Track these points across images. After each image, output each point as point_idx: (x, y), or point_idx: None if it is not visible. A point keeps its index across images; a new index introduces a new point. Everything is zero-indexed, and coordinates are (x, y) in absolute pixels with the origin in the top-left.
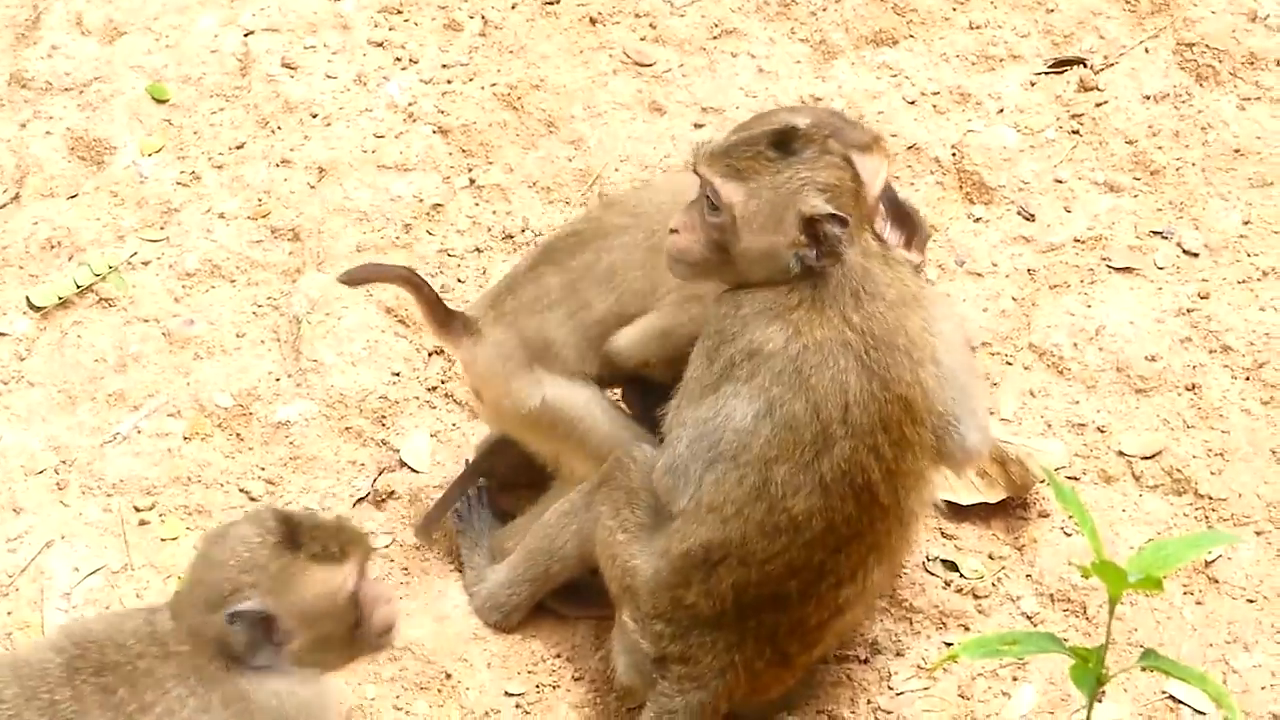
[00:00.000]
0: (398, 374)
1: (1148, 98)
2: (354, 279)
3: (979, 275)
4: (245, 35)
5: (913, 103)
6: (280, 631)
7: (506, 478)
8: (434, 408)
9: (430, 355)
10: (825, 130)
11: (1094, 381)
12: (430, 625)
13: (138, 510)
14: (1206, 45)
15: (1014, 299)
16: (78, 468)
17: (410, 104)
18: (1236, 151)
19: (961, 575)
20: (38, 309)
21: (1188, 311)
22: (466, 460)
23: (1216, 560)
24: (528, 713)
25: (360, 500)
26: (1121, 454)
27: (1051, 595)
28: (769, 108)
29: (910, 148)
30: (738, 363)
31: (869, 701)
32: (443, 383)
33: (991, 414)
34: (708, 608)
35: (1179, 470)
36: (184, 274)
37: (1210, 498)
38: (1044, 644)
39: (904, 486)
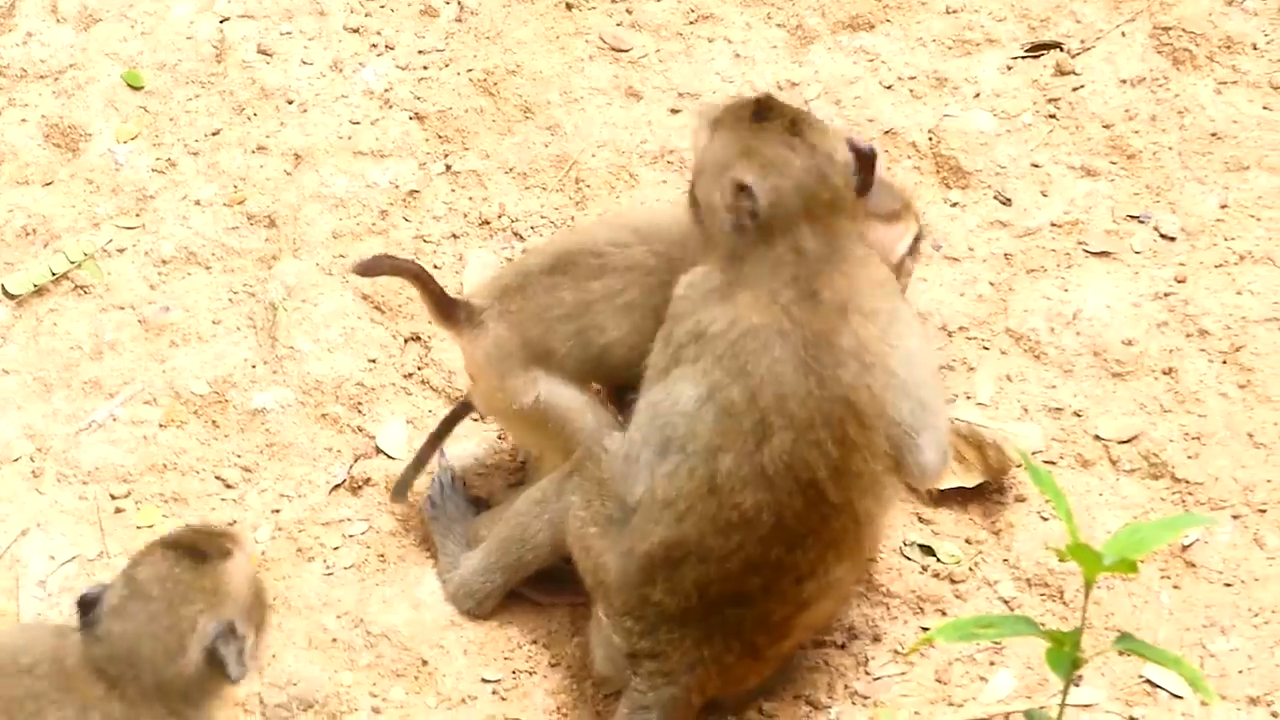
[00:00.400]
0: (374, 361)
1: (1124, 82)
2: (367, 270)
3: (956, 260)
4: (221, 22)
5: (889, 87)
6: (239, 638)
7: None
8: (410, 394)
9: (406, 342)
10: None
11: (1071, 366)
12: (406, 612)
13: (113, 498)
14: (1183, 29)
15: (991, 283)
16: (53, 455)
17: (386, 90)
18: (1213, 135)
19: (938, 560)
20: (13, 296)
21: (1165, 295)
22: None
23: (1193, 544)
24: (504, 699)
25: (336, 487)
26: (1098, 438)
27: (1029, 580)
28: (745, 93)
29: (887, 132)
30: (685, 344)
31: (846, 686)
32: (419, 369)
33: (968, 398)
34: (674, 605)
35: (1156, 454)
36: (160, 261)
37: (1187, 482)
38: (1020, 627)
39: (856, 487)
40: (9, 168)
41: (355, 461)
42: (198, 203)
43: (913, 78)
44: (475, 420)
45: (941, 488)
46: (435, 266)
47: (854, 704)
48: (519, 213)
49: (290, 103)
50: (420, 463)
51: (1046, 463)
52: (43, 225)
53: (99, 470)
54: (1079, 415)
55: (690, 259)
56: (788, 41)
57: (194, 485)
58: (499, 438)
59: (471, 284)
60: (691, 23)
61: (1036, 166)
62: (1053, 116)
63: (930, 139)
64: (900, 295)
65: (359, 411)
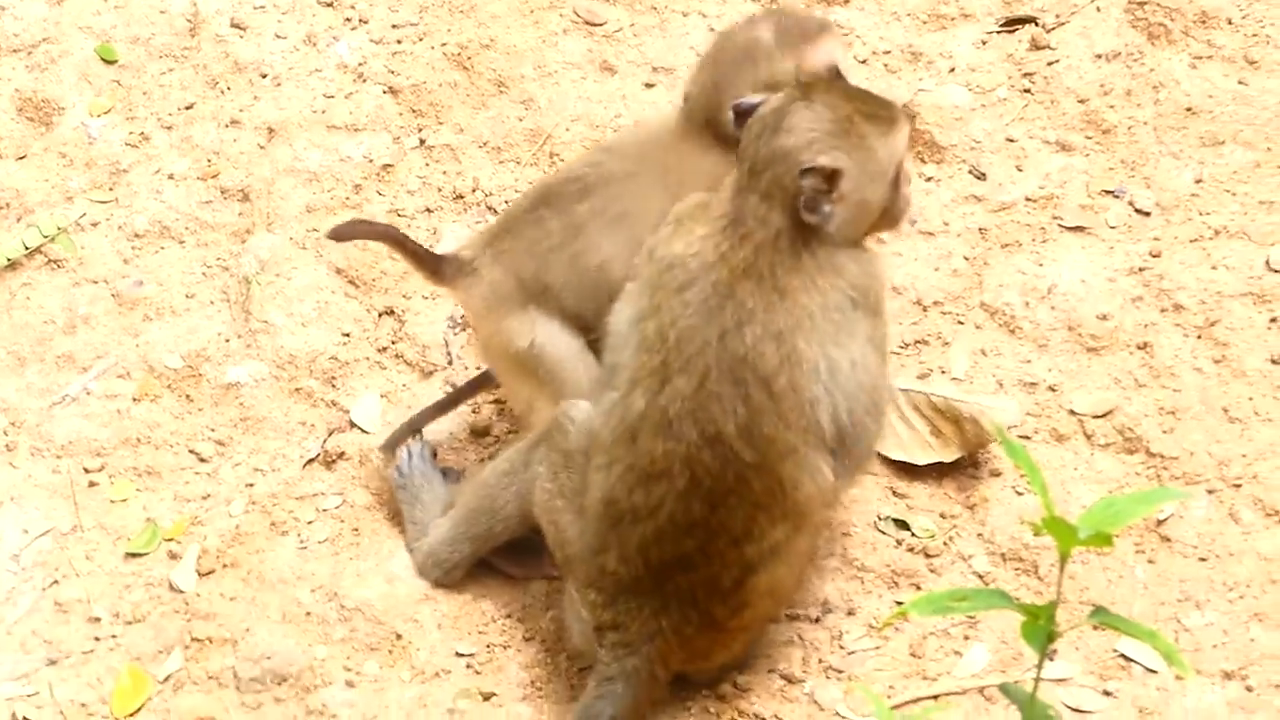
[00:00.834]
0: (348, 335)
1: (1099, 56)
2: (341, 235)
3: (930, 234)
4: None
5: (864, 62)
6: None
7: None
8: (384, 368)
9: (380, 316)
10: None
11: (1045, 340)
12: (380, 586)
13: (87, 472)
14: (1158, 4)
15: (965, 258)
16: (26, 429)
17: (360, 64)
18: (1188, 110)
19: (913, 534)
20: None
21: (1139, 270)
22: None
23: (1168, 519)
24: (479, 673)
25: (310, 461)
26: (1073, 413)
27: (1003, 554)
28: None
29: None
30: (642, 260)
31: (820, 660)
32: (393, 343)
33: (943, 372)
34: (626, 573)
35: (1130, 429)
36: (133, 235)
37: (1162, 456)
38: (994, 600)
39: (773, 451)
40: None
41: (329, 435)
42: (171, 177)
43: (887, 52)
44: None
45: (920, 463)
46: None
47: (828, 678)
48: (493, 187)
49: (264, 77)
50: (418, 424)
51: (1021, 437)
52: (16, 199)
53: (72, 444)
54: (1054, 390)
55: (668, 159)
56: None
57: (167, 459)
58: (473, 412)
59: None
60: None
61: (1011, 141)
62: (1028, 91)
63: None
64: (864, 309)
65: (333, 385)
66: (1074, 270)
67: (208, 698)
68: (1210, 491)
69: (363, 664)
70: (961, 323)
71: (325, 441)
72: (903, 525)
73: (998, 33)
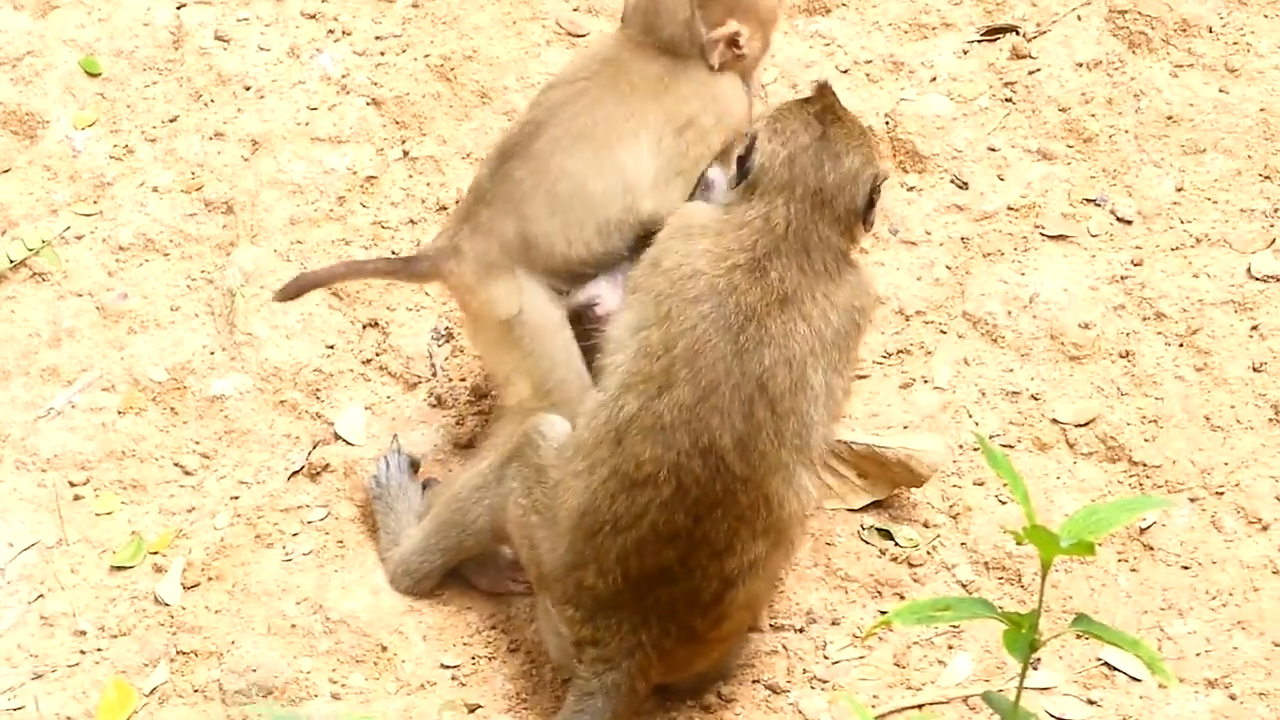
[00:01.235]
0: (332, 347)
1: (1080, 65)
2: (289, 294)
3: (913, 244)
4: (178, 8)
5: (846, 71)
6: None
7: None
8: (368, 380)
9: (364, 328)
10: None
11: (1028, 349)
12: (365, 598)
13: (72, 485)
14: (1139, 12)
15: (948, 267)
16: (11, 443)
17: (343, 76)
18: (1169, 119)
19: (896, 544)
20: None
21: (1121, 279)
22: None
23: (1151, 527)
24: (464, 684)
25: (295, 473)
26: (1055, 421)
27: (986, 563)
28: None
29: None
30: (644, 271)
31: (805, 670)
32: (377, 355)
33: (925, 381)
34: (605, 588)
35: (1113, 438)
36: (117, 248)
37: (1144, 465)
38: (976, 609)
39: (763, 465)
40: None
41: (314, 448)
42: (155, 189)
43: (869, 62)
44: (432, 406)
45: (854, 506)
46: (393, 252)
47: (812, 688)
48: None
49: (247, 89)
50: None
51: (1004, 446)
52: (0, 213)
53: (58, 457)
54: (1036, 399)
55: (616, 69)
56: None
57: (153, 472)
58: (457, 424)
59: None
60: None
61: (993, 150)
62: (1009, 100)
63: (887, 123)
64: (858, 334)
65: (317, 398)
66: (1056, 279)
67: (193, 710)
68: (1193, 500)
69: (348, 676)
70: (944, 332)
71: (310, 454)
72: (886, 535)
73: (979, 42)
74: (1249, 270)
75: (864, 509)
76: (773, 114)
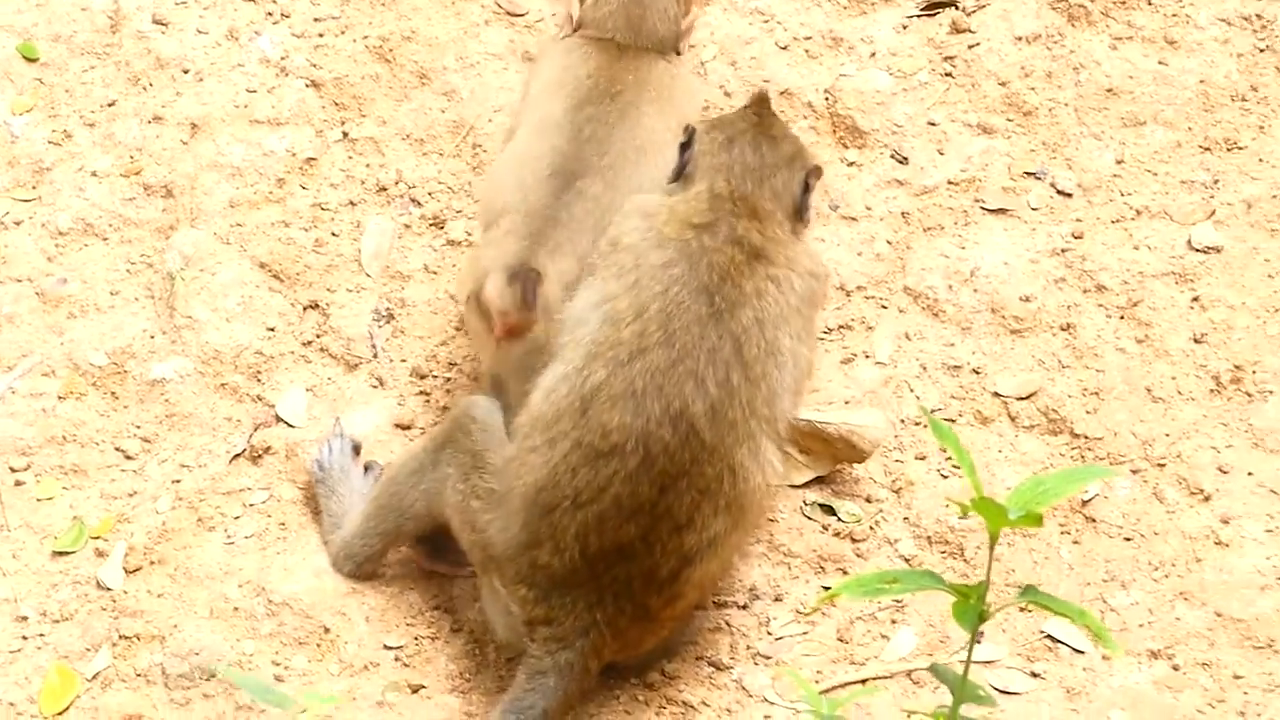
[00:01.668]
0: (272, 329)
1: (1020, 39)
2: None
3: (853, 219)
4: None
5: (785, 48)
6: None
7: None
8: (309, 362)
9: (305, 310)
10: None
11: (969, 323)
12: (308, 580)
13: (13, 471)
14: None
15: (888, 242)
16: None
17: (282, 58)
18: (1109, 91)
19: (839, 519)
20: None
21: (1062, 252)
22: None
23: (1093, 499)
24: (407, 665)
25: (237, 456)
26: (997, 395)
27: (929, 537)
28: None
29: (783, 93)
30: (603, 252)
31: (748, 647)
32: (318, 337)
33: (866, 356)
34: (560, 566)
35: (1055, 410)
36: (57, 233)
37: (1086, 437)
38: (924, 581)
39: (732, 435)
40: None
41: (255, 430)
42: (94, 174)
43: (808, 38)
44: (374, 387)
45: (797, 482)
46: (333, 234)
47: (756, 664)
48: (416, 179)
49: (186, 72)
50: None
51: (946, 420)
52: None
53: None
54: (977, 372)
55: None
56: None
57: (94, 457)
58: (398, 404)
59: (370, 251)
60: None
61: (933, 125)
62: (949, 75)
63: (826, 99)
64: (815, 307)
65: (258, 380)
66: (996, 253)
67: (136, 695)
68: (1134, 471)
69: (291, 658)
70: (885, 307)
71: (251, 437)
72: (829, 510)
73: (918, 17)
74: (1189, 242)
75: (806, 485)
76: (716, 119)
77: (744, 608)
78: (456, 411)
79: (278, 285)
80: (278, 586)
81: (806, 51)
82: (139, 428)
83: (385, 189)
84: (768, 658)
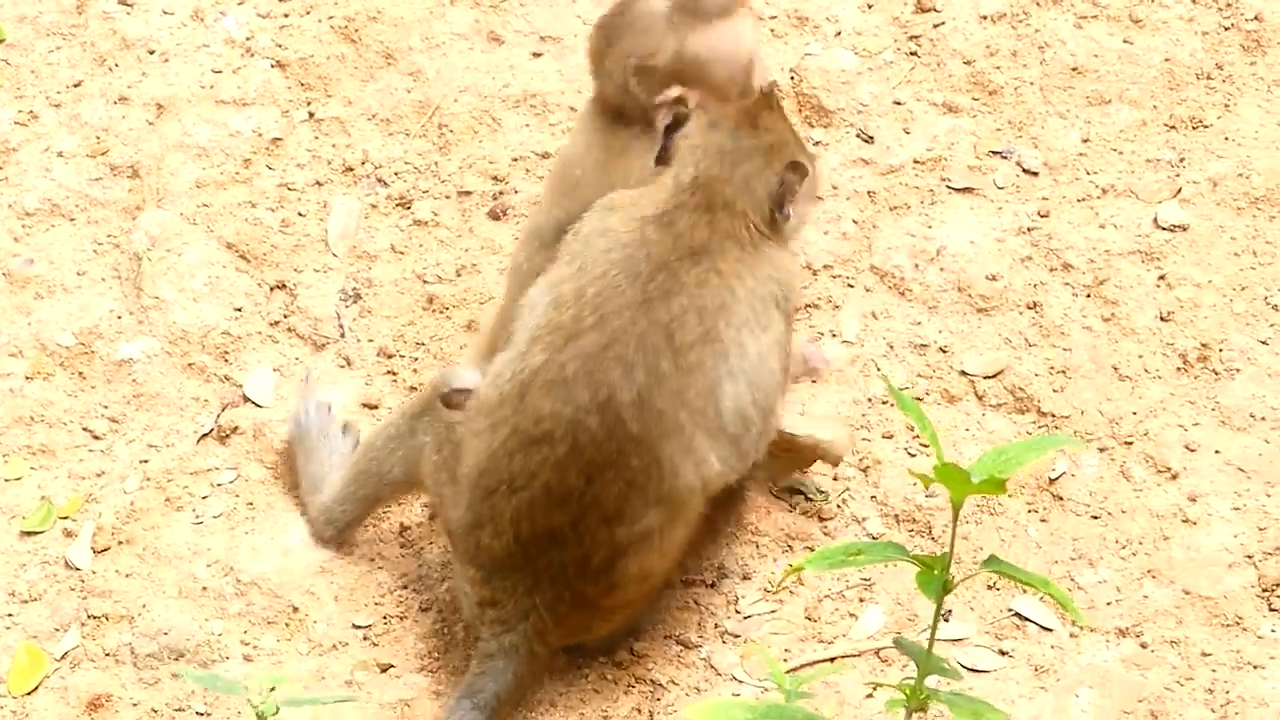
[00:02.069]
0: (240, 309)
1: (985, 18)
2: None
3: (819, 198)
4: None
5: None
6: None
7: None
8: (277, 342)
9: (272, 290)
10: None
11: (935, 302)
12: (276, 559)
13: None
14: None
15: (854, 221)
16: None
17: (248, 38)
18: (1074, 70)
19: (806, 498)
20: None
21: (1028, 230)
22: None
23: (1060, 477)
24: (375, 644)
25: (204, 436)
26: (964, 374)
27: (896, 515)
28: None
29: None
30: (565, 240)
31: (716, 625)
32: (285, 317)
33: (834, 335)
34: (499, 548)
35: (1021, 389)
36: (23, 213)
37: (1053, 415)
38: (889, 553)
39: (659, 426)
40: None
41: (223, 410)
42: (60, 154)
43: (773, 17)
44: (341, 367)
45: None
46: (300, 214)
47: (724, 643)
48: (382, 159)
49: (152, 53)
50: None
51: (913, 399)
52: None
53: None
54: (944, 351)
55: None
56: None
57: (61, 437)
58: (365, 384)
59: (336, 231)
60: None
61: (899, 104)
62: (914, 54)
63: (792, 78)
64: (782, 313)
65: (225, 360)
66: (963, 231)
67: (105, 674)
68: (1102, 449)
69: (260, 638)
70: (851, 286)
71: (219, 416)
72: (796, 490)
73: None
74: (1155, 220)
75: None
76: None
77: (712, 586)
78: (435, 379)
79: (244, 265)
80: (246, 566)
81: (771, 30)
82: (106, 408)
83: (351, 169)
84: (736, 636)
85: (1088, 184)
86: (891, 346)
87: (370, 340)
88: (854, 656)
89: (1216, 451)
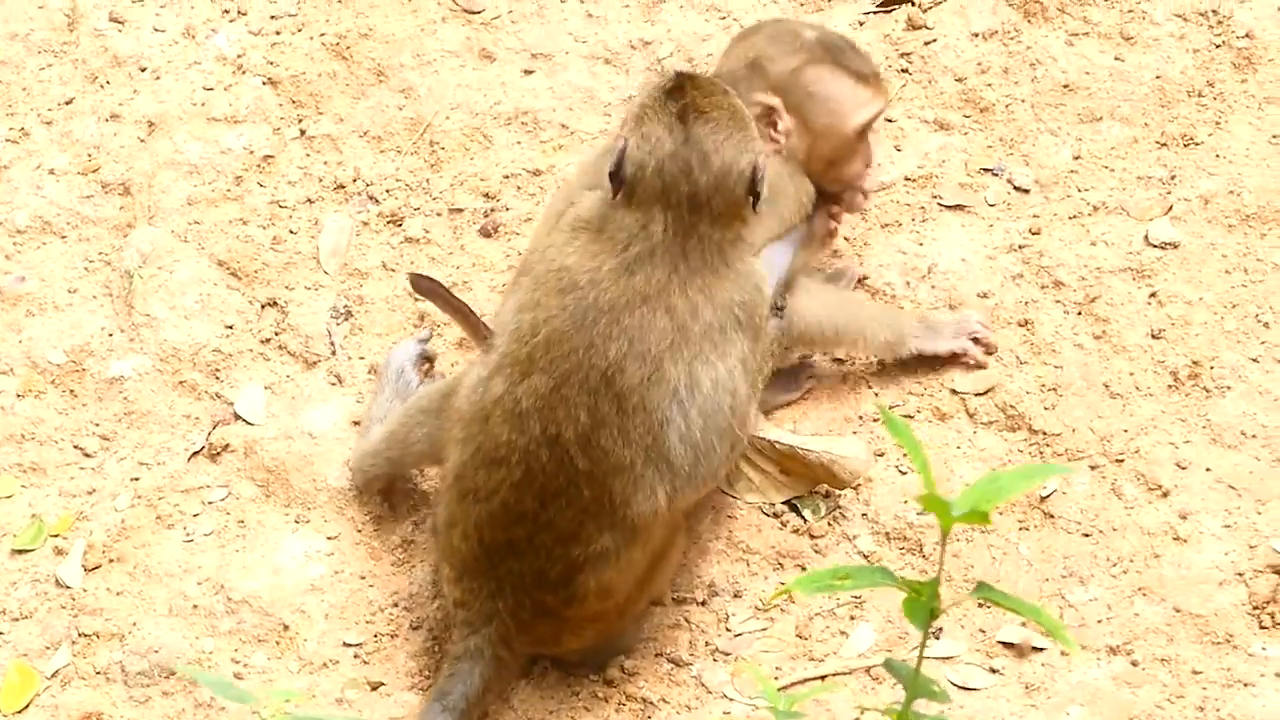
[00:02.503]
0: (231, 327)
1: (976, 35)
2: (418, 289)
3: (810, 216)
4: None
5: None
6: None
7: None
8: (268, 360)
9: (263, 308)
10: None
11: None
12: (267, 578)
13: None
14: None
15: (846, 238)
16: None
17: (239, 56)
18: (1065, 87)
19: (798, 516)
20: None
21: (1019, 248)
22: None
23: (1051, 495)
24: (366, 662)
25: (195, 454)
26: (955, 392)
27: (888, 534)
28: (598, 53)
29: None
30: (534, 254)
31: (707, 643)
32: (276, 334)
33: (824, 352)
34: (468, 551)
35: (1012, 406)
36: (14, 231)
37: (1044, 433)
38: (876, 577)
39: (606, 464)
40: None
41: (214, 428)
42: (52, 172)
43: None
44: (332, 384)
45: (776, 501)
46: (291, 232)
47: (715, 660)
48: (374, 176)
49: (143, 70)
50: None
51: (904, 416)
52: None
53: None
54: (935, 369)
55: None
56: (640, 0)
57: (52, 455)
58: (356, 402)
59: (328, 249)
60: None
61: (890, 121)
62: (905, 71)
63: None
64: (747, 330)
65: (217, 378)
66: (954, 249)
67: (95, 692)
68: (1093, 467)
69: (250, 656)
70: None
71: (210, 434)
72: (788, 507)
73: (875, 13)
74: (1146, 237)
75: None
76: (635, 115)
77: (703, 604)
78: (464, 369)
79: (236, 283)
80: (237, 584)
81: None
82: (98, 425)
83: (343, 186)
84: (727, 654)
85: (1079, 201)
86: (882, 364)
87: (361, 358)
88: (845, 674)
89: (1207, 469)
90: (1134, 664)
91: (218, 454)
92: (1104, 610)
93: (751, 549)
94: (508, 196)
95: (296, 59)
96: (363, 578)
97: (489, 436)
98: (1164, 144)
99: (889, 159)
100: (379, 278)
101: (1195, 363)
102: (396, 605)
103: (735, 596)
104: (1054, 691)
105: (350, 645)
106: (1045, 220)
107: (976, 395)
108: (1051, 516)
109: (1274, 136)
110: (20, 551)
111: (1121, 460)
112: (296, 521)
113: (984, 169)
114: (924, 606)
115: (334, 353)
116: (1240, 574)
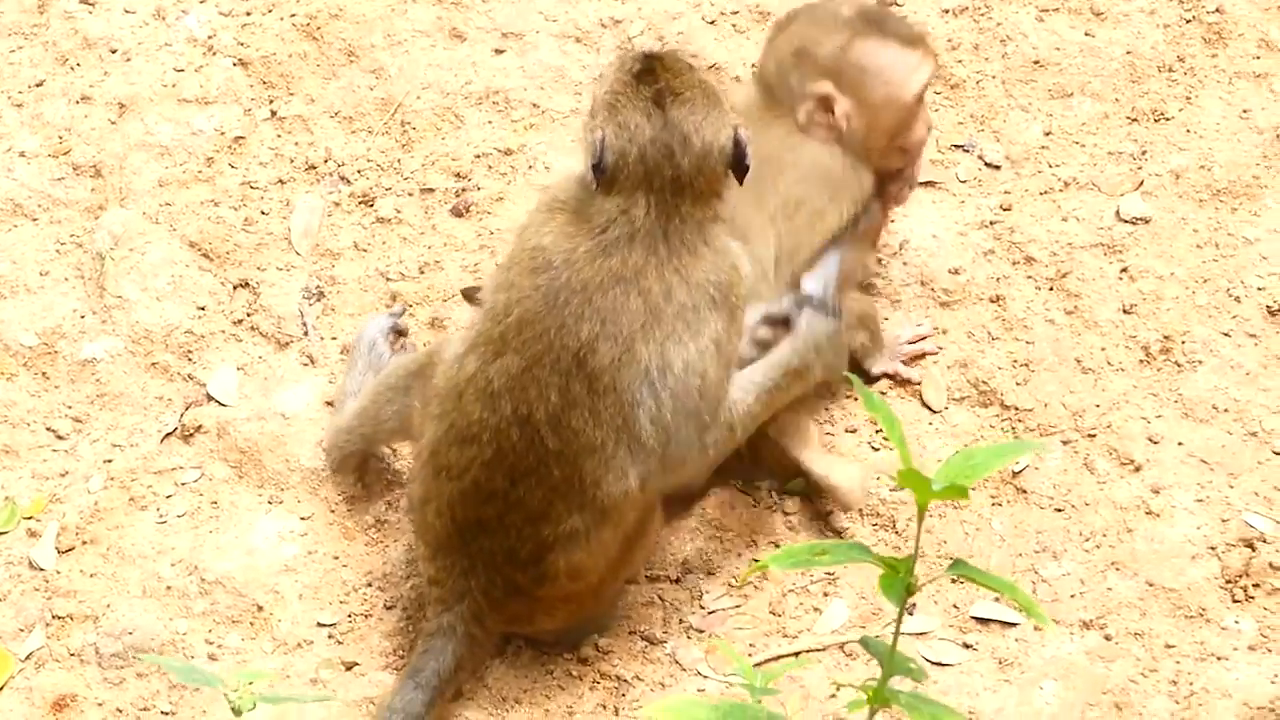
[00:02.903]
0: (203, 308)
1: (947, 11)
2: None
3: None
4: None
5: (712, 23)
6: None
7: None
8: (240, 341)
9: (235, 289)
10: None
11: (898, 296)
12: (240, 558)
13: None
14: None
15: None
16: None
17: (210, 37)
18: (1036, 63)
19: (770, 493)
20: None
21: (990, 224)
22: None
23: (1024, 470)
24: (340, 642)
25: (168, 435)
26: (925, 367)
27: (861, 510)
28: (569, 32)
29: (711, 67)
30: (515, 238)
31: (681, 621)
32: (248, 315)
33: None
34: (441, 528)
35: (984, 382)
36: None
37: (1016, 409)
38: (853, 553)
39: (576, 444)
40: None
41: (186, 409)
42: (22, 154)
43: (735, 12)
44: (305, 365)
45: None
46: (263, 213)
47: (689, 638)
48: (345, 156)
49: (113, 52)
50: None
51: (877, 393)
52: None
53: None
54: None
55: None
56: None
57: (25, 437)
58: (329, 382)
59: (299, 229)
60: None
61: None
62: None
63: (754, 73)
64: (722, 309)
65: (189, 359)
66: (925, 225)
67: (70, 674)
68: (1065, 442)
69: (225, 637)
70: None
71: (182, 415)
72: (760, 484)
73: None
74: (1117, 213)
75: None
76: (608, 102)
77: (676, 581)
78: (433, 346)
79: (207, 264)
80: (210, 565)
81: (734, 26)
82: (70, 407)
83: (314, 167)
84: (701, 631)
85: (1050, 177)
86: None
87: (334, 338)
88: (819, 651)
89: (1179, 443)
90: (1107, 638)
91: (190, 435)
92: (1077, 585)
93: (725, 526)
94: (479, 176)
95: (267, 40)
96: (336, 558)
97: (462, 414)
98: (1135, 119)
99: None
100: (351, 258)
101: (1167, 337)
102: (370, 585)
103: (709, 574)
104: (1027, 666)
105: (324, 625)
106: (1016, 196)
107: (948, 369)
108: (1024, 492)
109: (1244, 111)
110: None
111: (1094, 435)
112: (270, 502)
113: (955, 145)
114: (900, 583)
115: (306, 333)
116: (1213, 548)
